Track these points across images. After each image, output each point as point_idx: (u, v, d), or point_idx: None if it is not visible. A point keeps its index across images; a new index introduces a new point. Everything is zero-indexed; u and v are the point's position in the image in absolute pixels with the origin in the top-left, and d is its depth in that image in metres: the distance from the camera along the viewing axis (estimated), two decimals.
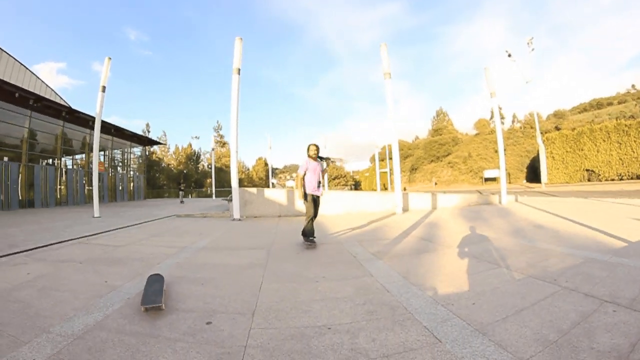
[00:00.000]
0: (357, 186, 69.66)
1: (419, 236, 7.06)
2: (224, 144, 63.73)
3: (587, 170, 32.98)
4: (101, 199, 22.98)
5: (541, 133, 34.06)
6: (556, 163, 35.22)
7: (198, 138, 67.34)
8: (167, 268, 4.83)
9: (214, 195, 37.17)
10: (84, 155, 23.74)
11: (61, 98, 27.52)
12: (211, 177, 39.90)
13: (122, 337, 2.71)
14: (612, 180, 30.17)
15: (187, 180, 57.13)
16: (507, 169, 42.51)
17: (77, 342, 2.61)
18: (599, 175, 31.81)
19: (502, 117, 58.28)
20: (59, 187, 20.37)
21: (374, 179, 48.43)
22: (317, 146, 6.61)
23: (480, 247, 5.65)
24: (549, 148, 35.04)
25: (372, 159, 59.99)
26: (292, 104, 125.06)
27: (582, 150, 33.37)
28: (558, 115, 54.48)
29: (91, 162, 24.06)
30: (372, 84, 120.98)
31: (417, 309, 3.12)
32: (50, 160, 20.80)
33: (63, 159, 22.29)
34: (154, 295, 3.42)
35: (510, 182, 38.89)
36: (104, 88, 12.92)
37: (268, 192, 13.46)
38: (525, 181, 41.78)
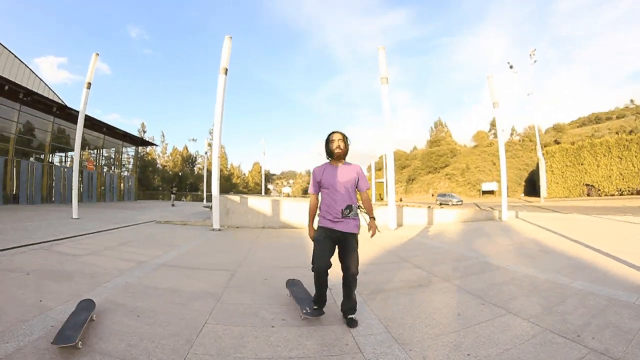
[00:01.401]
0: None
1: (411, 262, 6.18)
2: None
3: (587, 184, 32.28)
4: (89, 198, 22.38)
5: (541, 146, 33.32)
6: (555, 177, 34.45)
7: (195, 140, 65.69)
8: (112, 289, 4.29)
9: (205, 200, 36.38)
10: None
11: (55, 94, 26.79)
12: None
13: None
14: (612, 195, 29.48)
15: (182, 182, 56.24)
16: (506, 183, 42.03)
17: None
18: (599, 190, 31.11)
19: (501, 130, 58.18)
20: (46, 183, 19.56)
21: (369, 189, 47.49)
22: (344, 137, 3.47)
23: (483, 280, 4.76)
24: (548, 162, 34.36)
25: (369, 169, 59.28)
26: (291, 110, 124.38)
27: (582, 164, 32.56)
28: (557, 128, 54.06)
29: (82, 160, 23.63)
30: (374, 93, 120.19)
31: None
32: (39, 156, 19.98)
33: (52, 155, 21.57)
34: (72, 329, 2.83)
35: (508, 196, 38.58)
36: (89, 84, 12.28)
37: (252, 202, 12.76)
38: (523, 195, 41.20)
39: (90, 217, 13.12)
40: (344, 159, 3.55)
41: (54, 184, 20.16)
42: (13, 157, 17.17)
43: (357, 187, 3.52)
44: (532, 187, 40.70)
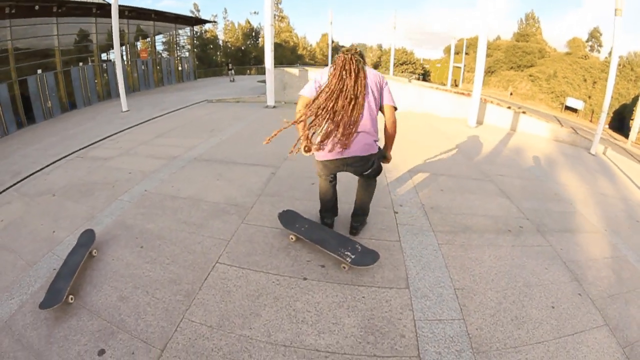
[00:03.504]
0: (425, 76, 62.75)
1: (497, 184, 4.94)
2: (282, 18, 59.06)
3: None
4: (146, 85, 22.50)
5: None
6: None
7: (257, 13, 61.19)
8: (128, 203, 3.82)
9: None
10: (125, 47, 22.42)
11: None
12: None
13: (17, 352, 2.01)
14: None
15: (245, 56, 55.22)
16: (592, 106, 35.89)
17: None
18: None
19: (600, 45, 47.70)
20: (100, 82, 19.67)
21: (445, 71, 42.89)
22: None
23: (579, 246, 3.62)
24: None
25: (446, 50, 52.48)
26: None
27: None
28: None
29: (139, 50, 23.33)
30: None
31: None
32: (88, 59, 19.62)
33: (107, 54, 21.36)
34: (64, 279, 2.42)
35: (591, 121, 33.85)
36: None
37: (313, 75, 11.31)
38: (607, 126, 34.70)
39: (141, 105, 12.86)
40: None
41: (107, 81, 20.09)
42: (62, 68, 17.11)
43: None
44: (619, 121, 33.78)
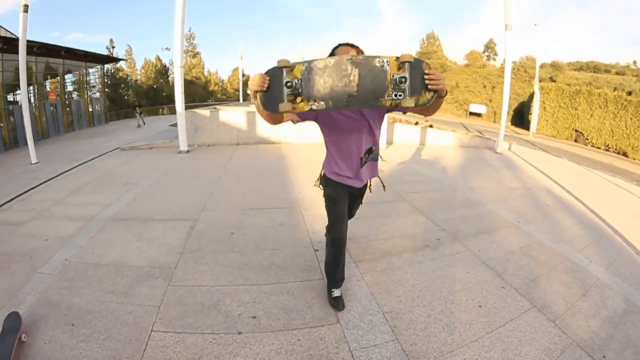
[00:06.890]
0: None
1: (411, 202, 5.24)
2: (195, 54, 57.39)
3: (576, 130, 30.67)
4: (56, 131, 20.40)
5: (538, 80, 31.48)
6: (547, 115, 32.76)
7: (168, 49, 58.02)
8: (49, 276, 3.47)
9: None
10: (32, 87, 19.89)
11: (4, 29, 22.25)
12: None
13: None
14: (599, 148, 28.50)
15: (157, 95, 52.56)
16: (494, 108, 39.65)
17: None
18: (587, 139, 29.73)
19: (495, 54, 53.95)
20: (6, 127, 17.17)
21: None
22: (359, 51, 2.31)
23: (497, 243, 3.96)
24: (542, 98, 32.31)
25: None
26: (273, 14, 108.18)
27: (575, 109, 30.64)
28: (556, 66, 50.28)
29: (47, 91, 21.01)
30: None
31: None
32: None
33: (14, 95, 18.93)
34: None
35: (494, 122, 37.52)
36: (25, 7, 9.60)
37: (224, 115, 11.49)
38: (510, 123, 40.00)
39: (51, 156, 11.69)
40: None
41: (14, 127, 17.40)
42: None
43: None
44: (519, 118, 39.09)
